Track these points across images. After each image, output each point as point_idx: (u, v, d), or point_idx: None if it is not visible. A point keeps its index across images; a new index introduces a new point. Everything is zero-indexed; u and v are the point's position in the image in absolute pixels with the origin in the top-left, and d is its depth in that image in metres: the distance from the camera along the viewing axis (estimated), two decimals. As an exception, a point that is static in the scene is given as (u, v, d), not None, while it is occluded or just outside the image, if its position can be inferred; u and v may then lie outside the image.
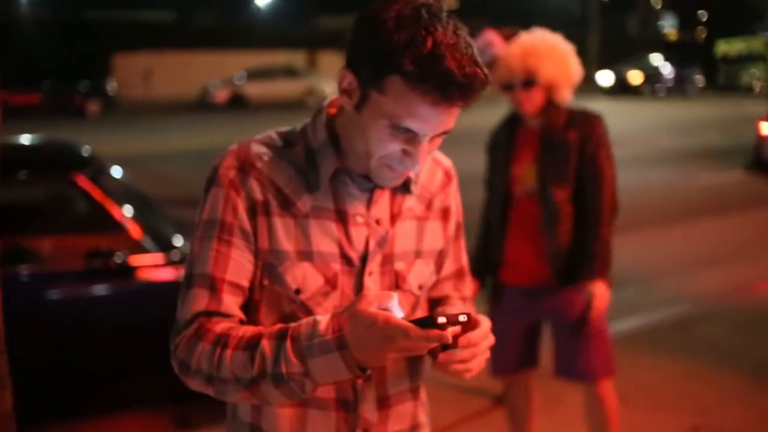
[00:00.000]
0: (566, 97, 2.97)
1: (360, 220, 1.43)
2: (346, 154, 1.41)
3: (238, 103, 26.54)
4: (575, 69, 2.97)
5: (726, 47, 38.49)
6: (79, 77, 24.64)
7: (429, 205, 1.53)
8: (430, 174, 1.55)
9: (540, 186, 2.93)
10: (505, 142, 3.03)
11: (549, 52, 2.91)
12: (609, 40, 41.55)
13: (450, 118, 1.31)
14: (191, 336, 1.36)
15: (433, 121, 1.28)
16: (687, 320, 5.53)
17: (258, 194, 1.39)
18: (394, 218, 1.46)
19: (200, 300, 1.38)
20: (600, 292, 2.90)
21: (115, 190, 4.03)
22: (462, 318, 1.25)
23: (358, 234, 1.42)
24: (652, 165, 12.88)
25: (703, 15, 53.93)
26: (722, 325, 5.42)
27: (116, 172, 4.65)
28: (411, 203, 1.49)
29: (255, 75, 27.78)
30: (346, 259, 1.41)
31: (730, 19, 46.04)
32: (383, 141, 1.31)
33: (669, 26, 52.65)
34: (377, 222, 1.44)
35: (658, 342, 5.06)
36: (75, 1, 34.41)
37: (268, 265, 1.39)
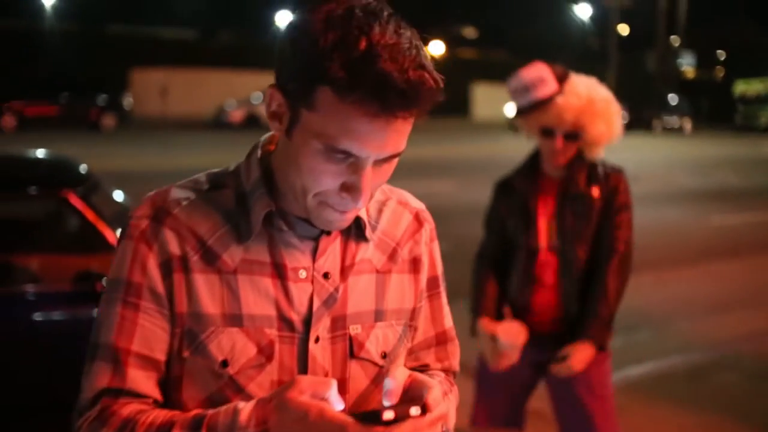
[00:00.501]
0: (600, 155, 2.81)
1: (303, 274, 1.18)
2: (282, 194, 1.18)
3: (253, 123, 26.53)
4: (618, 131, 2.80)
5: (744, 87, 38.41)
6: (96, 91, 24.73)
7: (393, 256, 1.27)
8: (395, 218, 1.30)
9: (560, 242, 2.75)
10: (530, 190, 2.83)
11: (603, 111, 2.73)
12: (627, 77, 41.60)
13: (397, 136, 1.07)
14: (93, 419, 1.14)
15: (374, 139, 1.05)
16: (699, 368, 5.33)
17: (174, 247, 1.15)
18: (346, 271, 1.21)
19: (102, 375, 1.14)
20: (582, 356, 2.69)
21: (109, 210, 3.89)
22: (414, 412, 1.02)
23: (301, 292, 1.18)
24: (664, 203, 12.69)
25: (721, 54, 53.96)
26: (736, 373, 5.21)
27: (117, 194, 4.52)
28: (368, 253, 1.24)
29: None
30: (286, 323, 1.17)
31: (748, 59, 45.99)
32: (318, 170, 1.09)
33: (687, 64, 52.63)
34: (325, 276, 1.19)
35: (668, 391, 4.85)
36: (97, 15, 34.68)
37: (189, 332, 1.15)
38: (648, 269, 7.76)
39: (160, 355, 1.16)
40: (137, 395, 1.16)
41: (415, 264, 1.31)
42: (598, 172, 2.78)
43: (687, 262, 8.63)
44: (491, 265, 2.93)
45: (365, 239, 1.24)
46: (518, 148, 3.11)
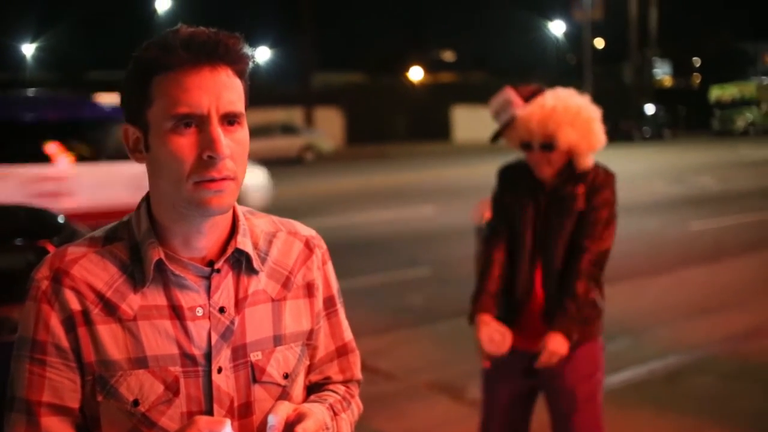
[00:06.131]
0: (588, 163, 2.88)
1: (200, 312, 1.29)
2: (171, 239, 1.30)
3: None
4: (599, 136, 2.87)
5: (719, 92, 38.88)
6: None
7: (287, 283, 1.39)
8: (285, 248, 1.41)
9: (540, 240, 2.84)
10: (526, 194, 2.93)
11: (571, 118, 2.82)
12: (604, 90, 42.04)
13: (226, 91, 1.23)
14: None
15: (203, 90, 1.22)
16: (677, 372, 5.44)
17: (74, 304, 1.26)
18: (240, 304, 1.32)
19: (18, 426, 1.27)
20: (554, 347, 2.77)
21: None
22: None
23: (199, 328, 1.29)
24: (644, 211, 12.85)
25: (696, 61, 54.60)
26: (713, 375, 5.33)
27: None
28: (262, 284, 1.36)
29: (253, 132, 27.76)
30: (188, 358, 1.28)
31: (723, 65, 46.60)
32: (177, 148, 1.22)
33: (663, 73, 53.18)
34: (221, 311, 1.30)
35: (646, 397, 4.96)
36: (76, 63, 34.92)
37: (100, 378, 1.26)
38: (626, 278, 7.89)
39: (72, 403, 1.28)
40: None
41: (309, 289, 1.42)
42: (588, 176, 2.86)
43: (665, 269, 8.76)
44: (497, 252, 2.96)
45: (255, 272, 1.35)
46: (493, 172, 3.23)
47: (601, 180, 2.85)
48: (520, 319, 2.90)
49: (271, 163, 26.53)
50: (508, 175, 3.03)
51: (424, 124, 38.08)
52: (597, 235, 2.81)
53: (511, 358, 2.89)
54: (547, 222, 2.86)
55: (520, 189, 2.94)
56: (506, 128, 2.94)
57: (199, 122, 1.22)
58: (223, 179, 1.23)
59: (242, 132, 1.27)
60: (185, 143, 1.22)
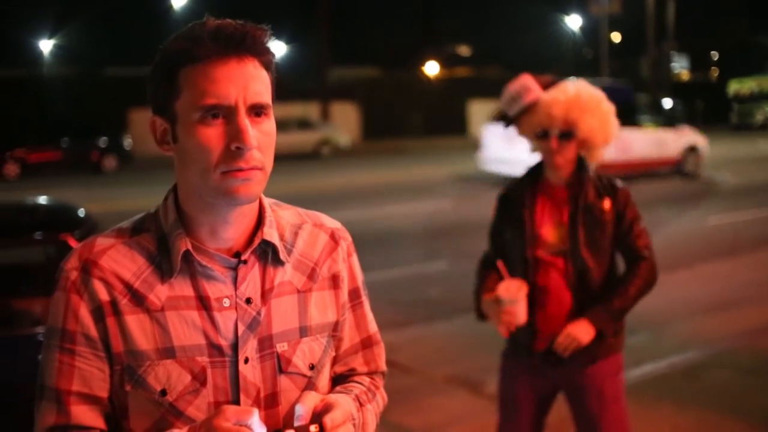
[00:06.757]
0: (600, 157, 2.86)
1: (226, 303, 1.30)
2: (196, 224, 1.31)
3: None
4: (614, 130, 2.85)
5: (737, 86, 38.56)
6: (96, 133, 24.97)
7: (312, 275, 1.39)
8: (311, 240, 1.42)
9: (572, 249, 2.78)
10: (528, 199, 2.87)
11: (594, 108, 2.79)
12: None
13: (254, 82, 1.24)
14: None
15: (231, 81, 1.22)
16: (696, 367, 5.42)
17: (103, 294, 1.28)
18: (266, 295, 1.33)
19: (48, 415, 1.28)
20: (574, 331, 2.71)
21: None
22: (313, 430, 1.20)
23: (226, 319, 1.30)
24: (661, 206, 12.78)
25: (714, 55, 54.18)
26: (732, 370, 5.31)
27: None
28: (288, 275, 1.36)
29: (270, 127, 27.92)
30: (215, 349, 1.29)
31: (741, 58, 46.23)
32: (205, 140, 1.22)
33: (681, 67, 52.81)
34: (247, 302, 1.31)
35: (666, 391, 4.95)
36: (94, 58, 35.08)
37: (128, 368, 1.28)
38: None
39: (100, 392, 1.29)
40: (83, 428, 1.29)
41: (334, 280, 1.42)
42: (606, 184, 2.83)
43: (683, 263, 8.70)
44: (490, 276, 2.93)
45: (281, 263, 1.35)
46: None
47: (624, 195, 2.83)
48: (536, 321, 2.84)
49: (288, 158, 26.64)
50: (506, 198, 2.96)
51: (440, 118, 37.94)
52: (645, 245, 2.82)
53: (529, 359, 2.88)
54: (576, 230, 2.79)
55: (526, 201, 2.86)
56: (522, 114, 2.86)
57: (226, 113, 1.23)
58: (251, 169, 1.24)
59: (269, 123, 1.27)
60: (213, 134, 1.23)
